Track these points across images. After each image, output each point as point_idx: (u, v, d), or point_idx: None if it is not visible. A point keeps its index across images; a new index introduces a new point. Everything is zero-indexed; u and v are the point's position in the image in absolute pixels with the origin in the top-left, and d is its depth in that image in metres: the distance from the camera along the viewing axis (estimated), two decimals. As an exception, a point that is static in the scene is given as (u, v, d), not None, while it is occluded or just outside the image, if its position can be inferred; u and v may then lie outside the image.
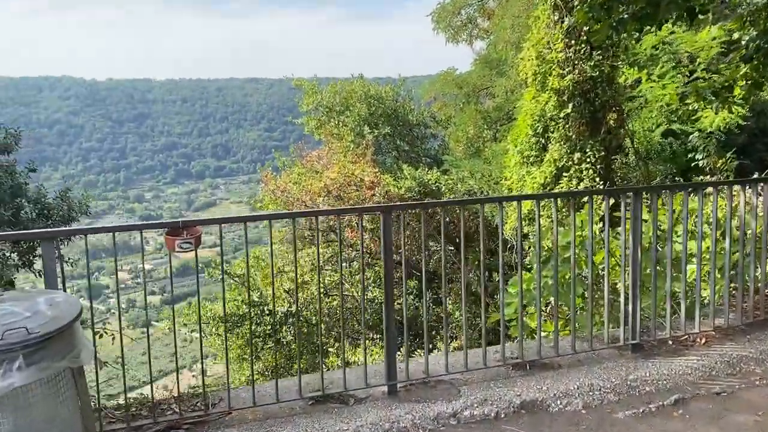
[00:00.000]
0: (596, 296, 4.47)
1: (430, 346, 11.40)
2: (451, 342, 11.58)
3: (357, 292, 12.54)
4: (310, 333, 11.77)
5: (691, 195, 4.61)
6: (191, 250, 3.08)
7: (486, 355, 3.82)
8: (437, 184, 12.97)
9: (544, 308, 4.91)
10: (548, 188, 10.31)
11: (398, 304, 13.08)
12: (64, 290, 3.05)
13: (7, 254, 7.15)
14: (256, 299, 11.63)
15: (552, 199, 5.98)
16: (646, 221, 4.24)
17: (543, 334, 4.49)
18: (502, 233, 4.03)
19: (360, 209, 4.27)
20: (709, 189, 4.61)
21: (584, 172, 10.21)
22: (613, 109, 10.75)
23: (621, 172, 11.81)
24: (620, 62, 10.15)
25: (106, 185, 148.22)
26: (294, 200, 12.48)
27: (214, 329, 11.80)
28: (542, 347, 3.95)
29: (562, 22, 10.18)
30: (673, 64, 7.26)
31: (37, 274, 7.79)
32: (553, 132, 10.57)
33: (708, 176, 9.95)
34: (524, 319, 4.82)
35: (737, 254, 4.38)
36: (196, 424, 3.29)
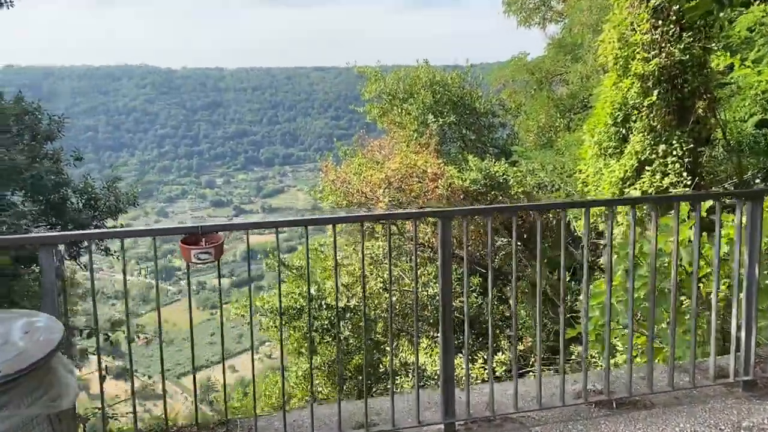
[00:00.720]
0: (699, 320, 3.76)
1: (494, 347, 10.78)
2: (509, 350, 10.89)
3: (419, 287, 12.00)
4: (368, 329, 11.36)
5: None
6: (211, 262, 2.60)
7: (564, 387, 3.20)
8: (505, 176, 12.23)
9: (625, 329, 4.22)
10: (628, 183, 9.43)
11: (460, 301, 12.53)
12: (65, 306, 2.63)
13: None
14: (314, 292, 11.28)
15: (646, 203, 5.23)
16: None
17: (622, 359, 3.82)
18: (588, 240, 3.38)
19: (415, 214, 3.69)
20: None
21: (669, 166, 9.26)
22: (704, 96, 9.72)
23: (708, 166, 10.78)
24: (713, 44, 9.15)
25: (179, 171, 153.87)
26: (354, 191, 12.04)
27: (271, 322, 11.56)
28: (632, 380, 3.30)
29: (648, 0, 9.26)
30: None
31: (83, 266, 7.67)
32: (635, 121, 9.64)
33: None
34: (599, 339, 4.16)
35: None
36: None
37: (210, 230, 2.63)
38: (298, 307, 11.31)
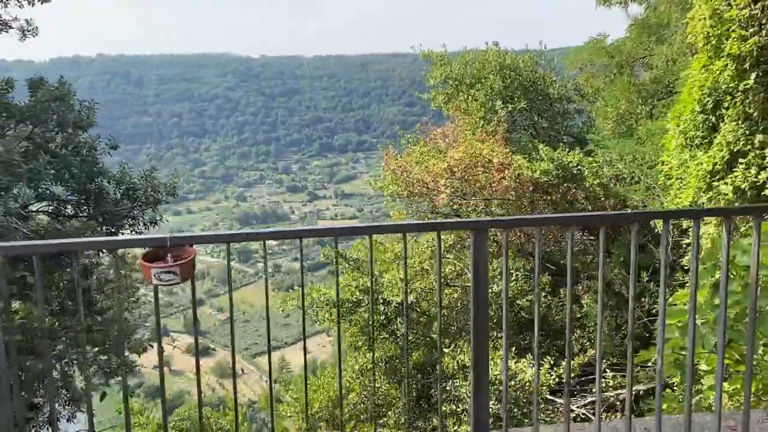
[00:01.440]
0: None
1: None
2: (580, 353, 10.11)
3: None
4: (426, 325, 10.87)
5: None
6: (176, 283, 2.12)
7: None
8: (579, 167, 11.35)
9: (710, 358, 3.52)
10: (718, 177, 8.42)
11: (527, 300, 11.81)
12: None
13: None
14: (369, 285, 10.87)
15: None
16: None
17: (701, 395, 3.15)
18: (667, 256, 2.72)
19: (440, 225, 3.10)
20: None
21: (767, 159, 8.19)
22: (810, 80, 8.55)
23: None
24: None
25: (257, 156, 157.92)
26: (414, 181, 11.51)
27: (327, 315, 11.25)
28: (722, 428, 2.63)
29: (747, -30, 8.17)
30: None
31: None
32: (727, 108, 8.58)
33: None
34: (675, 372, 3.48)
35: None
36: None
37: (181, 243, 2.16)
38: (355, 300, 10.95)
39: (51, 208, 6.06)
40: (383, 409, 12.00)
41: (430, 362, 10.90)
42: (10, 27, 7.94)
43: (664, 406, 4.05)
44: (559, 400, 9.72)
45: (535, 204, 11.78)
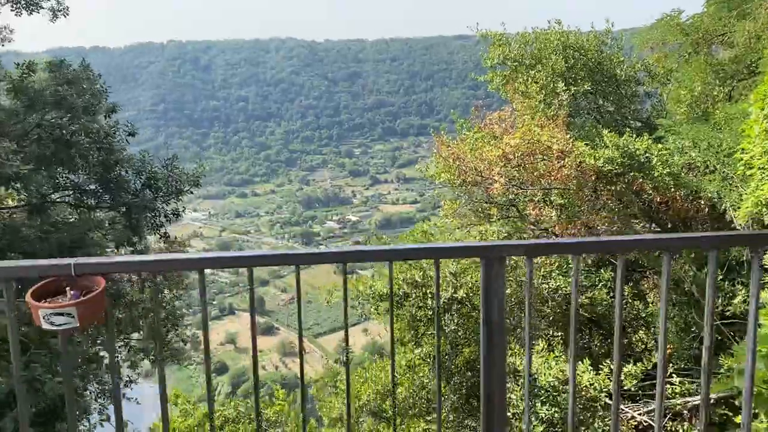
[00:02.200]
0: None
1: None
2: (643, 353, 9.33)
3: (536, 279, 10.73)
4: (477, 321, 10.30)
5: None
6: (74, 329, 1.63)
7: None
8: (647, 155, 10.45)
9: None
10: (807, 168, 7.47)
11: (587, 297, 11.05)
12: None
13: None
14: (419, 279, 10.39)
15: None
16: None
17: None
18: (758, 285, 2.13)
19: (436, 250, 2.52)
20: None
21: None
22: None
23: None
24: None
25: (320, 140, 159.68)
26: (468, 169, 10.89)
27: (374, 309, 10.89)
28: None
29: None
30: None
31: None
32: (820, 89, 7.61)
33: None
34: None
35: None
36: None
37: (91, 271, 1.68)
38: (402, 293, 10.51)
39: (69, 198, 5.86)
40: (433, 405, 11.59)
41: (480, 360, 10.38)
42: (41, 7, 7.82)
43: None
44: (622, 407, 9.03)
45: (598, 194, 10.98)
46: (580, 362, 8.91)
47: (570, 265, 11.14)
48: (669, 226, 11.27)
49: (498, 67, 12.86)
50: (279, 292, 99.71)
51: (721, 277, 9.70)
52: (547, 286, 10.67)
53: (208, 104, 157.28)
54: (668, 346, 10.98)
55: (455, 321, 10.12)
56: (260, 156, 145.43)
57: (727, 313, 9.48)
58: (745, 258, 9.78)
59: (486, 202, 11.70)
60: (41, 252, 5.80)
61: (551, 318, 10.67)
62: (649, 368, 9.17)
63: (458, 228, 11.12)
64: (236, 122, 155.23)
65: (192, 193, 8.20)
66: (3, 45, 8.98)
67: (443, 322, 10.15)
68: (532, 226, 11.65)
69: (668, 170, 10.19)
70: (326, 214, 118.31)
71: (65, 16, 7.87)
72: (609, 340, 11.05)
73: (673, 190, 10.35)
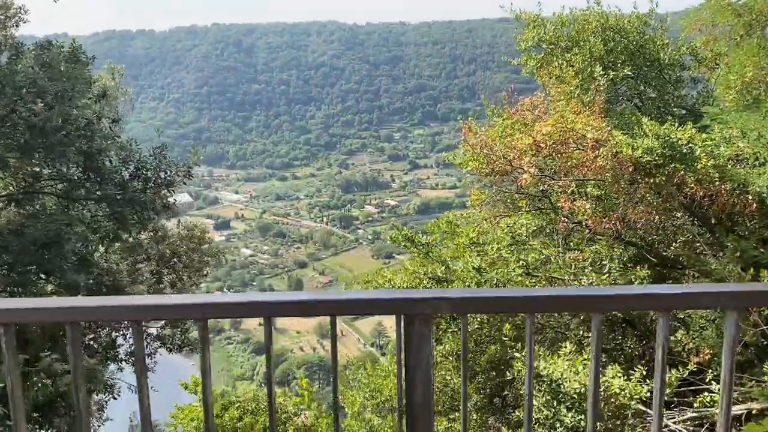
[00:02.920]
0: None
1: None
2: (680, 355, 8.69)
3: (567, 276, 10.17)
4: (502, 320, 9.84)
5: None
6: None
7: None
8: (690, 145, 9.71)
9: None
10: None
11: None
12: None
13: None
14: (440, 274, 9.96)
15: None
16: None
17: None
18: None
19: (359, 303, 1.98)
20: None
21: None
22: None
23: None
24: None
25: (360, 124, 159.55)
26: (496, 158, 10.34)
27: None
28: None
29: None
30: None
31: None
32: None
33: None
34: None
35: None
36: None
37: None
38: (423, 288, 10.11)
39: (49, 189, 5.58)
40: (456, 403, 11.20)
41: (505, 361, 9.89)
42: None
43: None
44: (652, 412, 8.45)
45: (636, 186, 10.30)
46: (609, 367, 8.37)
47: (604, 262, 10.57)
48: (712, 221, 10.53)
49: (532, 50, 12.19)
50: (317, 274, 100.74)
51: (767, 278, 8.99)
52: (577, 283, 10.10)
53: (250, 88, 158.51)
54: (707, 351, 10.33)
55: (477, 320, 9.67)
56: (300, 140, 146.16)
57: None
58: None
59: (516, 193, 11.14)
60: (15, 248, 5.58)
61: (581, 317, 10.10)
62: (685, 375, 8.57)
63: (485, 219, 10.61)
64: (277, 106, 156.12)
65: (184, 183, 7.77)
66: (17, 27, 8.82)
67: (468, 318, 9.71)
68: (565, 219, 11.05)
69: (713, 162, 9.46)
70: (365, 198, 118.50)
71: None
72: (644, 342, 10.44)
73: (717, 183, 9.60)
